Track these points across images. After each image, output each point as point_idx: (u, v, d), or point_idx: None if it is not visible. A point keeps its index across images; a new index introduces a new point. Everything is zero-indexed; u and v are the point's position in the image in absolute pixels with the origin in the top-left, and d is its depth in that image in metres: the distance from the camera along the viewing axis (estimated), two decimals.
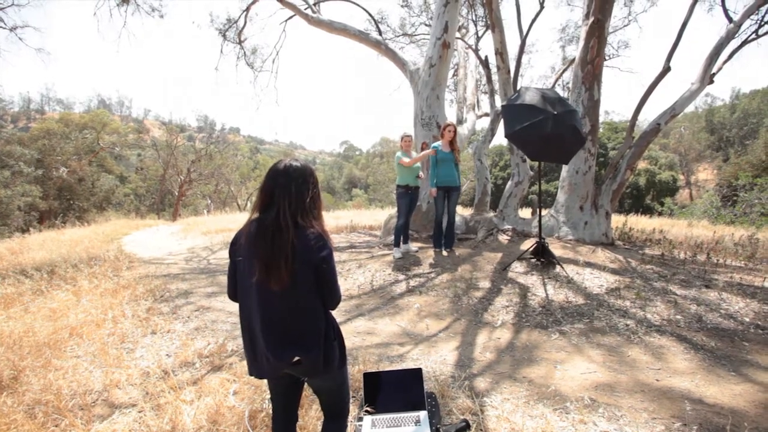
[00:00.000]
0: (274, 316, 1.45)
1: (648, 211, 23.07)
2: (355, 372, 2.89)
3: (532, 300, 4.10)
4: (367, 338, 3.63)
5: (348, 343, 3.68)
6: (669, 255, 5.44)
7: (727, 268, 4.97)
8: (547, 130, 4.03)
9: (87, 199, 28.03)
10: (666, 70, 5.81)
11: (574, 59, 11.32)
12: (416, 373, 2.41)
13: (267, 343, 1.45)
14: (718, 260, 5.15)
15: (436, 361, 3.13)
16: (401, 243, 5.68)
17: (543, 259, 4.86)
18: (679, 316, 3.54)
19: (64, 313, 4.17)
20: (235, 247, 1.53)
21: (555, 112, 4.06)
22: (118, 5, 9.73)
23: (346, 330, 3.78)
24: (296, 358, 1.46)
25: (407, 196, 5.46)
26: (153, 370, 3.07)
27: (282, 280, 1.40)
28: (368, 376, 2.42)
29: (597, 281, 4.41)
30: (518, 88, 4.39)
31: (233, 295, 1.57)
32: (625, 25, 10.25)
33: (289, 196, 1.44)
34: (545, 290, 4.29)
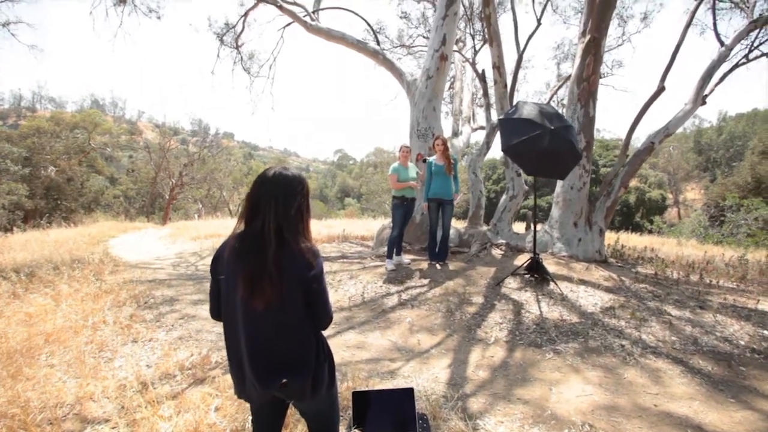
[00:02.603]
0: (260, 337, 1.34)
1: (637, 228, 23.29)
2: (343, 390, 2.77)
3: (525, 317, 4.03)
4: (356, 353, 3.52)
5: (337, 358, 3.56)
6: (662, 274, 5.43)
7: (720, 289, 4.96)
8: (544, 145, 4.00)
9: (75, 199, 27.57)
10: (660, 90, 5.88)
11: (569, 76, 11.46)
12: (408, 393, 2.30)
13: (253, 369, 1.34)
14: (711, 281, 5.14)
15: (427, 379, 3.03)
16: (394, 255, 5.60)
17: (537, 275, 4.81)
18: (674, 338, 3.49)
19: (41, 319, 3.99)
20: (217, 263, 1.42)
21: (552, 127, 4.04)
22: (114, 5, 9.64)
23: (335, 343, 3.67)
24: (283, 381, 1.36)
25: (402, 208, 5.39)
26: (131, 382, 2.92)
27: (266, 299, 1.29)
28: (357, 395, 2.31)
29: (591, 299, 4.36)
30: (515, 102, 4.38)
31: (216, 314, 1.47)
32: (619, 45, 10.44)
33: (275, 207, 1.34)
34: (539, 307, 4.22)
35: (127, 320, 4.14)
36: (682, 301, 4.29)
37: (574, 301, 4.31)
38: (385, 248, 5.75)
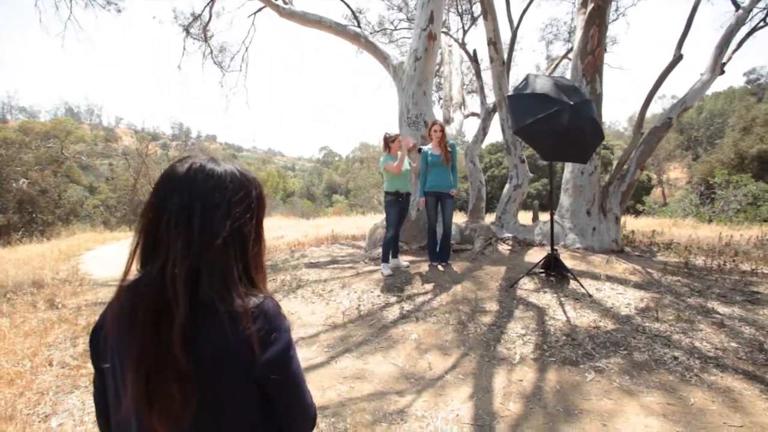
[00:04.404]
0: None
1: (627, 210, 22.96)
2: None
3: (551, 325, 3.44)
4: (356, 385, 2.89)
5: (333, 395, 2.93)
6: (691, 263, 4.90)
7: (763, 277, 4.43)
8: (564, 124, 3.40)
9: (52, 212, 26.29)
10: (678, 58, 5.33)
11: (563, 56, 10.92)
12: None
13: None
14: (752, 268, 4.59)
15: (446, 419, 2.42)
16: (390, 257, 4.98)
17: (555, 273, 4.24)
18: (734, 344, 2.94)
19: None
20: (97, 342, 0.77)
21: (571, 103, 3.44)
22: None
23: (329, 374, 3.04)
24: None
25: (397, 204, 4.76)
26: None
27: (174, 417, 0.65)
28: None
29: (622, 299, 3.80)
30: (526, 75, 3.76)
31: (105, 427, 0.82)
32: (613, 20, 9.90)
33: (186, 232, 0.69)
34: (564, 312, 3.64)
35: (76, 360, 3.44)
36: (726, 296, 3.76)
37: (604, 302, 3.75)
38: (380, 250, 5.12)
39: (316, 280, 5.09)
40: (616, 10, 9.74)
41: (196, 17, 8.84)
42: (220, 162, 0.78)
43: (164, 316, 0.67)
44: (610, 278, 4.24)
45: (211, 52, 9.32)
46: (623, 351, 2.97)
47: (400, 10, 10.76)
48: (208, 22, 8.84)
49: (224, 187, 0.74)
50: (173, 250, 0.69)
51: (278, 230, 12.46)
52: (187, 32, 9.00)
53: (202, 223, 0.70)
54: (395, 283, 4.62)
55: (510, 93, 3.86)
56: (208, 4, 8.47)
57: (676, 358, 2.81)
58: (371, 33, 10.69)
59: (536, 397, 2.58)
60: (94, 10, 8.74)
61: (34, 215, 25.80)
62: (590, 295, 3.84)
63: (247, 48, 9.19)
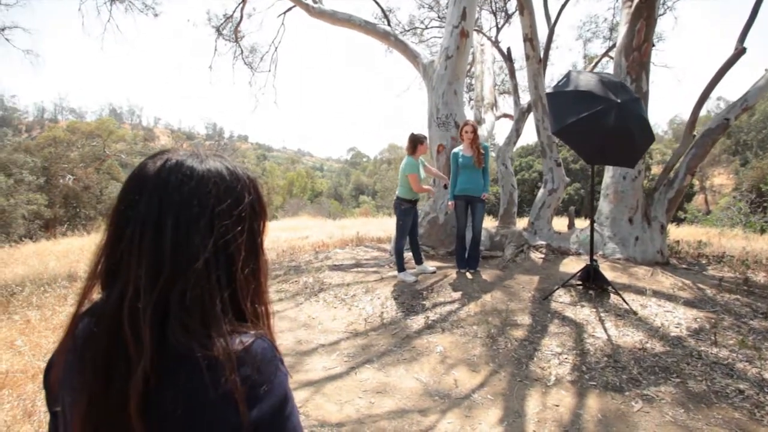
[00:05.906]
0: None
1: None
2: None
3: (591, 344, 3.15)
4: (376, 400, 2.71)
5: (351, 410, 2.76)
6: (750, 279, 4.43)
7: None
8: (610, 124, 3.10)
9: (94, 207, 27.76)
10: (740, 51, 4.86)
11: (603, 54, 10.39)
12: None
13: None
14: None
15: None
16: (414, 263, 4.80)
17: (594, 285, 3.91)
18: None
19: None
20: (48, 382, 0.62)
21: (619, 101, 3.14)
22: (105, 3, 9.03)
23: (349, 386, 2.88)
24: None
25: (412, 213, 4.63)
26: None
27: None
28: None
29: (671, 317, 3.44)
30: (568, 71, 3.48)
31: None
32: (661, 14, 9.28)
33: (155, 254, 0.53)
34: (605, 330, 3.33)
35: None
36: None
37: (650, 321, 3.40)
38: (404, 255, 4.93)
39: (339, 284, 4.95)
40: (664, 3, 9.13)
41: (228, 18, 8.96)
42: (203, 158, 0.61)
43: (121, 359, 0.51)
44: (656, 293, 3.87)
45: (242, 52, 9.44)
46: (675, 378, 2.65)
47: (431, 8, 10.55)
48: (239, 22, 8.94)
49: (206, 193, 0.57)
50: (135, 276, 0.52)
51: (304, 230, 12.49)
52: (220, 33, 9.13)
53: (175, 241, 0.54)
54: (420, 291, 4.41)
55: (551, 90, 3.58)
56: (239, 4, 8.57)
57: (741, 392, 2.47)
58: (401, 32, 10.54)
59: (575, 427, 2.32)
60: (132, 14, 9.00)
61: (78, 210, 27.26)
62: (634, 312, 3.50)
63: (276, 48, 9.25)
